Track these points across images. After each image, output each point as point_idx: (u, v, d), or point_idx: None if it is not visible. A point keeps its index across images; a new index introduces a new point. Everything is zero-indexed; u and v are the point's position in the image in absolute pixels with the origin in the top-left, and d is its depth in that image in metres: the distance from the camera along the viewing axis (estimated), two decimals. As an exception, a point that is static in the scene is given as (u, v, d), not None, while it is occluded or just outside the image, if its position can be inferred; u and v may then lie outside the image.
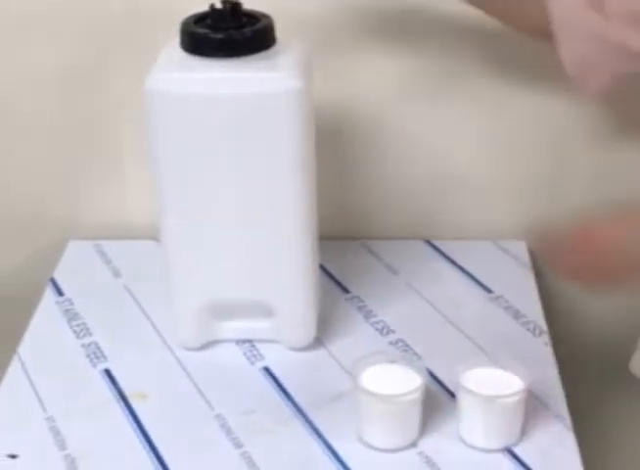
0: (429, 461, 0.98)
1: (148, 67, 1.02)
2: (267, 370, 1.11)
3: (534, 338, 1.15)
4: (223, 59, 1.01)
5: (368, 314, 1.20)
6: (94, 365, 1.12)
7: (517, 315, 1.19)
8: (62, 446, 1.01)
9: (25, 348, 1.15)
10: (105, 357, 1.13)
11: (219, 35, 1.01)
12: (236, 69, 1.01)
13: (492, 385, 0.99)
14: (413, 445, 1.00)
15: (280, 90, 1.00)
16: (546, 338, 1.15)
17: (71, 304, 1.23)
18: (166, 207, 1.07)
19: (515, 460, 0.98)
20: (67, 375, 1.11)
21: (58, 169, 1.35)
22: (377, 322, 1.19)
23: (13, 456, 1.00)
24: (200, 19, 1.03)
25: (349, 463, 0.98)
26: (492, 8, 1.07)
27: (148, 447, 1.00)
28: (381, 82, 1.26)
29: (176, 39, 1.05)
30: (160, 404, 1.06)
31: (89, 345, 1.15)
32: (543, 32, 0.96)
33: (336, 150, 1.27)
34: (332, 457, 0.99)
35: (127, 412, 1.05)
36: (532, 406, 1.02)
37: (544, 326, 1.17)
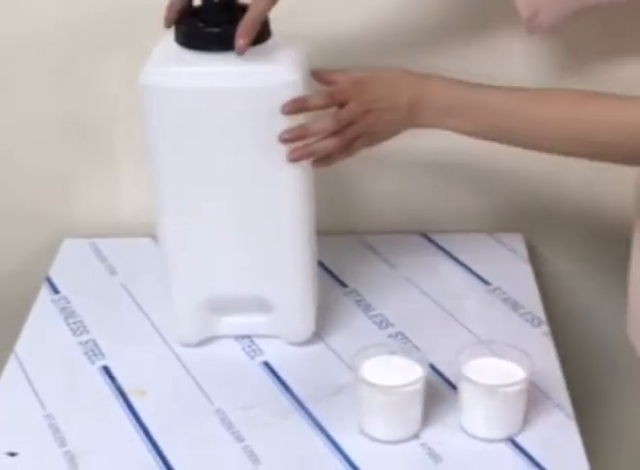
0: (431, 452, 0.98)
1: (142, 63, 1.02)
2: (267, 365, 1.11)
3: (533, 328, 1.15)
4: (218, 53, 1.01)
5: (367, 308, 1.20)
6: (92, 362, 1.12)
7: (515, 307, 1.19)
8: (61, 443, 1.00)
9: (23, 346, 1.14)
10: (103, 355, 1.13)
11: (214, 29, 1.01)
12: (232, 62, 1.00)
13: (493, 375, 0.98)
14: (415, 436, 1.00)
15: (277, 83, 1.00)
16: (545, 328, 1.15)
17: (68, 302, 1.22)
18: (164, 203, 1.07)
19: (517, 450, 0.98)
20: (65, 373, 1.11)
21: (52, 168, 1.35)
22: (375, 316, 1.18)
23: (12, 454, 0.99)
24: (194, 12, 1.03)
25: (352, 456, 0.98)
26: None
27: (148, 444, 1.00)
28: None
29: (170, 34, 1.04)
30: (160, 400, 1.06)
31: (87, 342, 1.15)
32: None
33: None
34: (334, 450, 0.99)
35: (127, 409, 1.04)
36: (533, 396, 1.01)
37: (543, 317, 1.17)
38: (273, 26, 1.03)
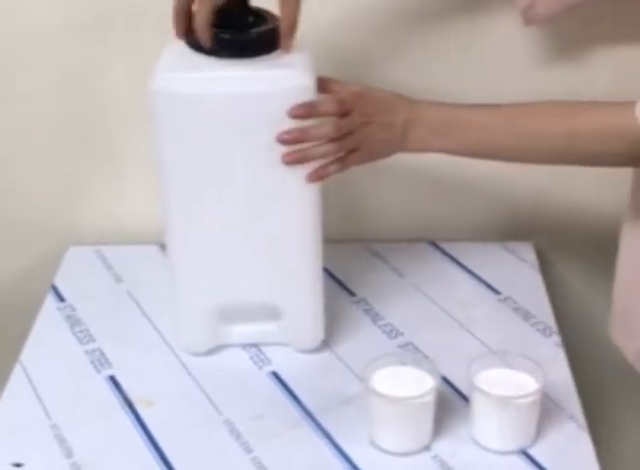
0: (443, 464, 0.97)
1: (149, 68, 1.01)
2: (275, 374, 1.09)
3: (545, 338, 1.14)
4: (227, 59, 1.00)
5: (375, 317, 1.19)
6: (98, 372, 1.10)
7: (526, 316, 1.18)
8: (68, 453, 0.99)
9: (28, 354, 1.13)
10: (109, 364, 1.12)
11: (225, 35, 1.00)
12: (242, 67, 0.99)
13: (506, 386, 0.97)
14: (426, 448, 0.98)
15: (289, 88, 0.99)
16: (557, 338, 1.14)
17: (73, 310, 1.21)
18: (172, 209, 1.06)
19: (530, 462, 0.97)
20: (71, 382, 1.09)
21: (58, 175, 1.34)
22: (384, 325, 1.17)
23: (18, 465, 0.98)
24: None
25: (361, 467, 0.97)
26: None
27: (156, 454, 0.99)
28: (382, 83, 1.25)
29: (177, 41, 1.03)
30: (167, 410, 1.05)
31: (93, 351, 1.14)
32: None
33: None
34: (343, 461, 0.97)
35: (134, 419, 1.03)
36: (546, 407, 1.00)
37: (554, 327, 1.16)
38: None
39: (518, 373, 0.99)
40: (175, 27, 1.01)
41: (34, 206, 1.35)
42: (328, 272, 1.22)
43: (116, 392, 1.07)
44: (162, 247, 1.11)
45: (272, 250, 1.07)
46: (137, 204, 1.35)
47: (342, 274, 1.26)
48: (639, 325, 1.08)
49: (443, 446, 0.99)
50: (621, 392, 1.39)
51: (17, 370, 1.10)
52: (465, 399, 1.02)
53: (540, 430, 0.99)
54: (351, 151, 1.04)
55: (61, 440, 1.01)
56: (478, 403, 0.98)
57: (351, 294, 1.24)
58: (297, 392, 1.07)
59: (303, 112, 0.99)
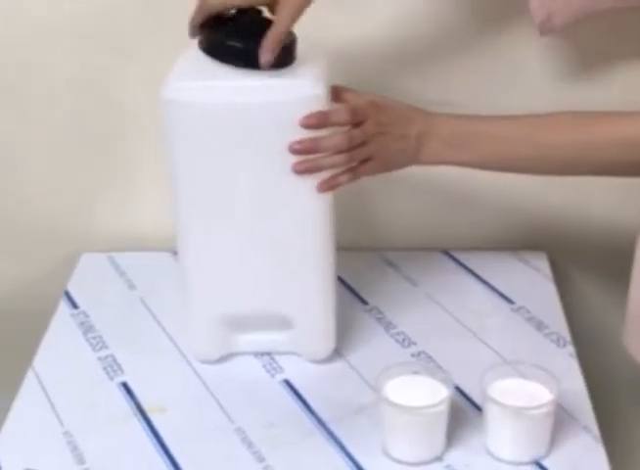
0: (456, 475, 0.96)
1: (162, 76, 1.01)
2: (287, 383, 1.09)
3: (559, 349, 1.14)
4: (239, 68, 1.00)
5: (388, 326, 1.19)
6: (111, 378, 1.10)
7: (540, 326, 1.18)
8: (79, 460, 0.99)
9: (41, 361, 1.13)
10: (122, 370, 1.11)
11: (239, 44, 0.99)
12: (255, 76, 0.99)
13: (520, 396, 0.97)
14: (439, 458, 0.98)
15: (301, 97, 0.98)
16: (571, 349, 1.14)
17: (86, 316, 1.21)
18: (184, 218, 1.06)
19: (544, 473, 0.96)
20: (83, 389, 1.09)
21: (71, 182, 1.34)
22: (397, 334, 1.17)
23: (30, 471, 0.98)
24: (221, 23, 1.01)
25: (374, 477, 0.97)
26: None
27: (168, 462, 0.98)
28: (399, 95, 1.25)
29: (191, 46, 1.03)
30: (179, 418, 1.05)
31: (106, 358, 1.14)
32: None
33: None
34: (356, 471, 0.97)
35: (146, 426, 1.03)
36: (560, 418, 1.00)
37: (568, 337, 1.16)
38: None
39: (531, 383, 0.99)
40: (190, 29, 1.01)
41: (47, 212, 1.36)
42: (341, 280, 1.22)
43: (129, 398, 1.07)
44: (175, 254, 1.10)
45: (283, 259, 1.06)
46: (150, 210, 1.35)
47: (354, 282, 1.26)
48: None
49: (456, 457, 0.98)
50: (636, 402, 1.38)
51: (29, 376, 1.10)
52: (478, 409, 1.02)
53: (554, 441, 0.99)
54: (364, 161, 1.03)
55: (73, 446, 1.00)
56: (491, 414, 0.97)
57: (364, 302, 1.23)
58: (309, 400, 1.06)
59: (315, 121, 0.98)
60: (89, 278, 1.30)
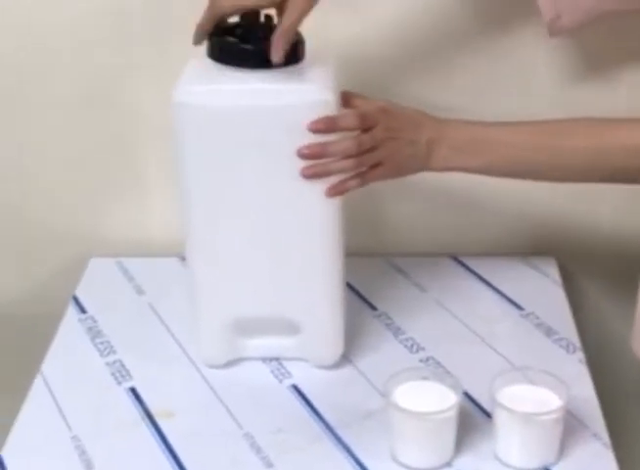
0: (465, 481, 0.96)
1: (173, 79, 1.01)
2: (295, 388, 1.09)
3: (568, 355, 1.13)
4: (250, 70, 1.00)
5: (397, 332, 1.18)
6: (119, 383, 1.10)
7: (549, 332, 1.17)
8: (88, 465, 0.99)
9: (49, 366, 1.13)
10: (130, 376, 1.11)
11: (248, 46, 1.00)
12: (264, 80, 0.99)
13: (529, 402, 0.96)
14: (448, 464, 0.97)
15: (310, 102, 0.98)
16: (580, 355, 1.13)
17: (94, 321, 1.21)
18: (193, 222, 1.06)
19: (553, 480, 0.96)
20: (91, 393, 1.09)
21: (80, 187, 1.34)
22: (406, 339, 1.17)
23: (38, 476, 0.98)
24: (230, 28, 1.02)
25: (383, 483, 0.96)
26: None
27: (176, 467, 0.98)
28: (403, 98, 1.25)
29: (201, 51, 1.03)
30: (188, 423, 1.04)
31: (114, 363, 1.14)
32: None
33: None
34: (365, 477, 0.97)
35: (154, 431, 1.03)
36: (569, 424, 0.99)
37: (578, 343, 1.15)
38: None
39: (541, 389, 0.98)
40: (195, 36, 1.01)
41: (56, 217, 1.36)
42: (349, 286, 1.21)
43: (137, 404, 1.07)
44: (184, 259, 1.10)
45: (292, 264, 1.06)
46: (159, 215, 1.35)
47: (363, 288, 1.26)
48: None
49: (465, 463, 0.98)
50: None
51: (37, 381, 1.10)
52: (487, 415, 1.01)
53: (563, 447, 0.98)
54: (374, 166, 1.03)
55: (81, 451, 1.00)
56: (500, 420, 0.97)
57: (373, 308, 1.23)
58: (317, 406, 1.06)
59: (323, 126, 0.98)
60: (98, 283, 1.30)
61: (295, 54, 1.01)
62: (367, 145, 1.01)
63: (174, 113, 1.00)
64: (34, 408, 1.07)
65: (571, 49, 1.24)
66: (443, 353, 1.13)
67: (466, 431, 1.00)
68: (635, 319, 1.09)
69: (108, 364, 1.13)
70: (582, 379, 1.09)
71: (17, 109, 1.30)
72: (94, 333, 1.19)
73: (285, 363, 1.13)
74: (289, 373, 1.11)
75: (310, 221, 1.04)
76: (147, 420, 1.04)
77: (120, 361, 1.14)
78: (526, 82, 1.25)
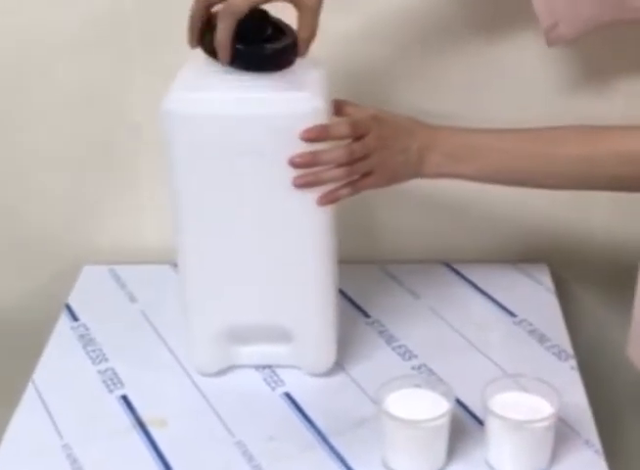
0: (457, 488, 0.96)
1: (167, 88, 1.01)
2: (288, 396, 1.09)
3: (561, 362, 1.13)
4: (244, 73, 0.99)
5: (389, 339, 1.18)
6: (111, 391, 1.10)
7: (542, 339, 1.17)
8: (79, 473, 0.99)
9: (41, 374, 1.13)
10: (122, 384, 1.11)
11: (241, 48, 0.98)
12: (255, 88, 0.99)
13: (521, 410, 0.96)
14: (440, 471, 0.98)
15: (301, 110, 0.98)
16: (573, 362, 1.13)
17: (87, 329, 1.21)
18: (184, 230, 1.06)
19: (545, 487, 0.96)
20: (83, 401, 1.09)
21: (73, 195, 1.34)
22: (399, 347, 1.17)
23: (29, 484, 0.98)
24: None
25: (375, 491, 0.96)
26: None
27: (167, 475, 0.98)
28: (400, 109, 1.26)
29: (194, 58, 1.03)
30: (180, 431, 1.04)
31: (105, 371, 1.13)
32: None
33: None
34: (356, 484, 0.97)
35: (146, 439, 1.03)
36: (561, 432, 0.99)
37: (570, 350, 1.15)
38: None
39: (533, 397, 0.98)
40: (189, 36, 1.01)
41: (49, 224, 1.36)
42: (342, 293, 1.21)
43: (129, 412, 1.07)
44: (176, 266, 1.10)
45: (284, 271, 1.06)
46: (151, 223, 1.35)
47: (356, 295, 1.26)
48: None
49: (457, 470, 0.98)
50: (638, 417, 1.38)
51: (29, 389, 1.10)
52: (479, 422, 1.01)
53: (555, 455, 0.98)
54: (365, 175, 1.03)
55: (72, 459, 1.00)
56: (492, 427, 0.97)
57: (366, 315, 1.23)
58: (310, 413, 1.06)
59: (315, 134, 0.98)
60: (90, 291, 1.30)
61: (290, 56, 1.01)
62: (359, 154, 1.01)
63: (164, 121, 1.00)
64: (26, 416, 1.06)
65: (568, 57, 1.24)
66: (436, 361, 1.13)
67: (458, 438, 1.00)
68: (631, 326, 1.09)
69: (100, 372, 1.13)
70: (574, 386, 1.09)
71: (11, 117, 1.30)
72: (86, 341, 1.19)
73: (277, 371, 1.12)
74: (281, 381, 1.11)
75: (302, 229, 1.04)
76: (138, 428, 1.04)
77: (112, 369, 1.14)
78: (522, 90, 1.25)
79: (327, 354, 1.11)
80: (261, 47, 0.99)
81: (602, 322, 1.36)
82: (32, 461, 1.01)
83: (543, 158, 1.03)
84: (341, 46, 1.21)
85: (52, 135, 1.30)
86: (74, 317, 1.23)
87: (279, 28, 1.01)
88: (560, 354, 1.15)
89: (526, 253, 1.34)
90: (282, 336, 1.10)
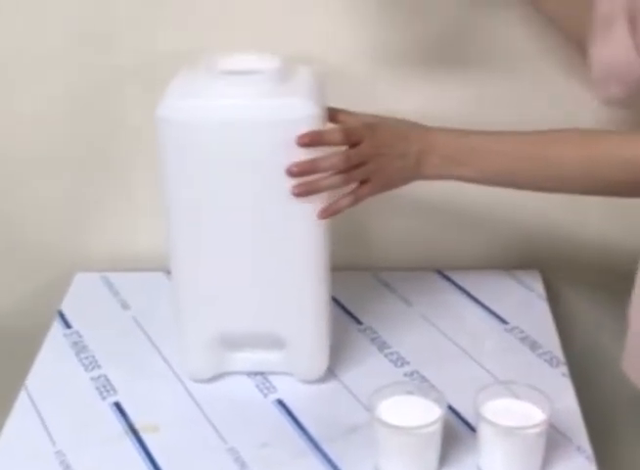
0: (449, 495, 0.96)
1: (162, 94, 1.01)
2: (280, 402, 1.09)
3: (552, 369, 1.14)
4: (238, 79, 1.00)
5: (382, 346, 1.18)
6: (103, 398, 1.10)
7: (533, 346, 1.18)
8: (72, 480, 0.99)
9: (33, 381, 1.13)
10: (114, 390, 1.11)
11: None
12: (249, 95, 1.00)
13: (512, 416, 0.97)
14: (432, 478, 0.98)
15: (296, 117, 0.99)
16: (564, 369, 1.13)
17: (80, 336, 1.21)
18: (177, 237, 1.06)
19: (537, 494, 0.96)
20: (76, 408, 1.09)
21: (66, 202, 1.34)
22: (391, 354, 1.17)
23: (22, 491, 0.98)
24: None
25: (367, 497, 0.96)
26: (542, 7, 1.12)
27: (160, 482, 0.98)
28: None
29: (188, 66, 1.04)
30: (172, 438, 1.04)
31: (98, 377, 1.13)
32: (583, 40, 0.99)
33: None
34: (349, 491, 0.97)
35: (138, 446, 1.03)
36: (553, 438, 1.00)
37: (561, 357, 1.16)
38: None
39: (524, 403, 0.98)
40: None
41: (41, 232, 1.36)
42: (335, 300, 1.21)
43: (121, 418, 1.07)
44: (169, 273, 1.10)
45: (277, 278, 1.06)
46: (144, 230, 1.35)
47: (348, 302, 1.26)
48: None
49: (449, 477, 0.98)
50: (630, 422, 1.38)
51: (22, 396, 1.10)
52: (471, 428, 1.02)
53: (547, 461, 0.98)
54: (364, 182, 1.04)
55: (65, 466, 1.00)
56: (484, 433, 0.97)
57: (358, 322, 1.23)
58: (302, 420, 1.06)
59: (309, 139, 0.99)
60: (83, 298, 1.30)
61: None
62: (354, 161, 1.02)
63: (158, 127, 1.00)
64: (18, 423, 1.06)
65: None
66: (428, 368, 1.14)
67: (450, 445, 1.00)
68: (626, 342, 1.09)
69: (92, 379, 1.13)
70: (566, 392, 1.09)
71: (2, 123, 1.30)
72: (79, 348, 1.19)
73: (270, 378, 1.13)
74: (274, 387, 1.11)
75: (295, 236, 1.04)
76: (131, 435, 1.04)
77: (105, 376, 1.14)
78: (525, 95, 1.26)
79: (319, 361, 1.12)
80: None
81: (593, 329, 1.37)
82: (25, 467, 1.01)
83: (542, 160, 1.03)
84: (338, 56, 1.22)
85: (45, 143, 1.30)
86: (67, 324, 1.24)
87: None
88: (551, 361, 1.15)
89: (518, 260, 1.34)
90: (275, 343, 1.10)
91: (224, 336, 1.09)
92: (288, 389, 1.11)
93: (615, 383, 1.29)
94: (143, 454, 1.01)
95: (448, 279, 1.32)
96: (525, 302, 1.27)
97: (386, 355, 1.17)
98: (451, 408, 1.04)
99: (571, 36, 1.11)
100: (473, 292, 1.29)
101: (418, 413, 0.97)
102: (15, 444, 1.04)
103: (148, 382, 1.13)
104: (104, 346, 1.19)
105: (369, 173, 1.03)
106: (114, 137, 1.30)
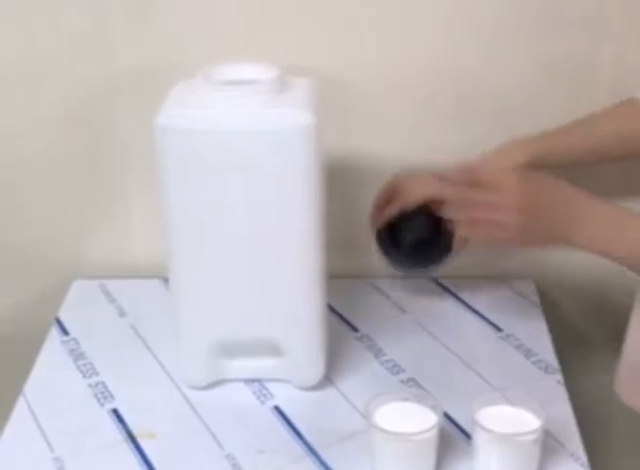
0: (444, 501, 0.97)
1: (156, 103, 1.02)
2: (277, 409, 1.10)
3: (547, 376, 1.14)
4: (234, 90, 1.01)
5: (378, 353, 1.19)
6: (101, 405, 1.11)
7: (528, 354, 1.18)
8: (70, 486, 0.99)
9: (31, 388, 1.13)
10: (112, 397, 1.12)
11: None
12: (246, 104, 1.01)
13: (507, 423, 0.97)
14: (428, 484, 0.99)
15: (293, 126, 1.00)
16: (559, 376, 1.14)
17: (77, 343, 1.22)
18: (175, 244, 1.07)
19: (532, 500, 0.97)
20: (74, 415, 1.10)
21: (63, 209, 1.35)
22: (387, 361, 1.18)
23: (20, 497, 0.98)
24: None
25: (363, 503, 0.97)
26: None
27: (158, 488, 0.99)
28: (386, 128, 1.27)
29: (185, 78, 1.04)
30: (170, 444, 1.05)
31: (96, 384, 1.14)
32: None
33: (343, 189, 1.27)
34: (345, 497, 0.98)
35: (136, 452, 1.03)
36: (547, 445, 1.00)
37: (556, 364, 1.16)
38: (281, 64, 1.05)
39: (519, 410, 0.99)
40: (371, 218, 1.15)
41: (39, 239, 1.36)
42: (331, 308, 1.22)
43: (119, 425, 1.07)
44: (166, 280, 1.11)
45: (274, 286, 1.07)
46: (141, 238, 1.35)
47: (344, 310, 1.27)
48: None
49: (445, 483, 0.99)
50: (623, 430, 1.38)
51: (20, 403, 1.11)
52: (467, 435, 1.02)
53: (541, 468, 0.99)
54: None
55: (63, 472, 1.01)
56: (479, 440, 0.98)
57: (354, 329, 1.24)
58: (299, 427, 1.07)
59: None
60: (80, 305, 1.31)
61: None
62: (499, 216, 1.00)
63: (156, 136, 1.01)
64: (16, 430, 1.07)
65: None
66: (424, 375, 1.14)
67: (446, 451, 1.01)
68: (620, 366, 1.09)
69: (90, 386, 1.14)
70: (560, 400, 1.10)
71: (2, 134, 1.30)
72: (76, 355, 1.20)
73: (267, 384, 1.13)
74: (271, 394, 1.12)
75: (291, 244, 1.05)
76: (129, 441, 1.05)
77: (103, 383, 1.14)
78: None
79: (316, 368, 1.12)
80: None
81: (587, 336, 1.37)
82: (23, 474, 1.01)
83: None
84: (335, 68, 1.23)
85: (41, 151, 1.31)
86: (65, 331, 1.24)
87: (437, 226, 1.16)
88: (546, 369, 1.16)
89: (513, 268, 1.35)
90: (272, 350, 1.10)
91: (221, 343, 1.10)
92: (285, 395, 1.11)
93: (608, 390, 1.30)
94: (140, 461, 1.02)
95: (443, 287, 1.33)
96: (520, 310, 1.28)
97: (382, 363, 1.17)
98: (447, 415, 1.05)
99: None
100: (468, 300, 1.29)
101: (414, 420, 0.98)
102: (13, 450, 1.04)
103: (145, 389, 1.13)
104: (101, 352, 1.20)
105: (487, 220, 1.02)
106: (112, 147, 1.30)
